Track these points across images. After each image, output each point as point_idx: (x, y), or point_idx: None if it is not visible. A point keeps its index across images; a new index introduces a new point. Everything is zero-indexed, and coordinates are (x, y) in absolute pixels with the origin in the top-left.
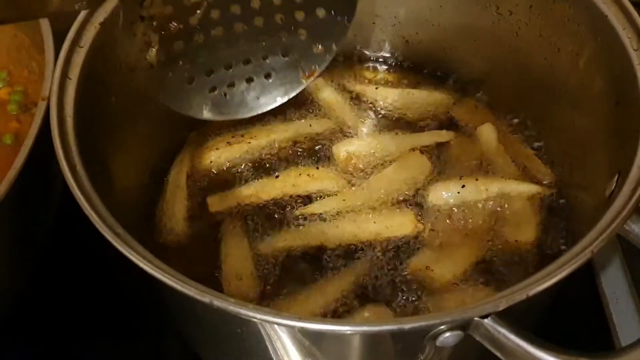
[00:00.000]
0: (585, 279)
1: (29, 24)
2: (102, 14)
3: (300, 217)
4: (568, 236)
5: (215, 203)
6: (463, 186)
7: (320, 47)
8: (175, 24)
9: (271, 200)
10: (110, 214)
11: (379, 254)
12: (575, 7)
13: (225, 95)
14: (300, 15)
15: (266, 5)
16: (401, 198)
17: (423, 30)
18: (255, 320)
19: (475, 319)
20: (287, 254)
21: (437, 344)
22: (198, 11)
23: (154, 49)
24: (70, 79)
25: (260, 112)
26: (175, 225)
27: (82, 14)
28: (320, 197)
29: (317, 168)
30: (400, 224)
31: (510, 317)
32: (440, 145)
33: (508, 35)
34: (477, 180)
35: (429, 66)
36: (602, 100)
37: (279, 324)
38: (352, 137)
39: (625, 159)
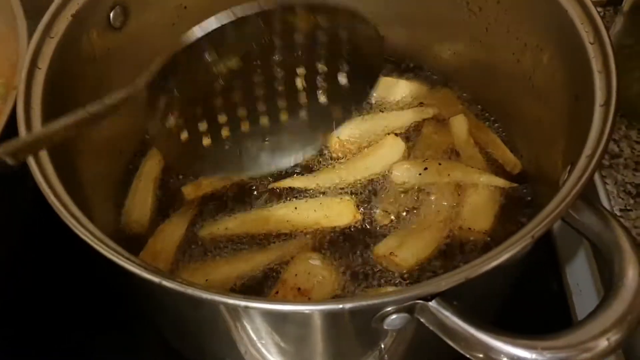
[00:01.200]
0: (550, 271)
1: (6, 16)
2: (74, 6)
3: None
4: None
5: (191, 191)
6: (425, 168)
7: (340, 111)
8: (197, 93)
9: (242, 181)
10: (74, 202)
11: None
12: (539, 2)
13: (240, 153)
14: (322, 83)
15: (289, 73)
16: (371, 179)
17: (398, 26)
18: (202, 299)
19: (419, 301)
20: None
21: (385, 326)
22: (220, 81)
23: (172, 117)
24: (39, 68)
25: (274, 169)
26: (145, 216)
27: (54, 5)
28: (295, 173)
29: None
30: (339, 214)
31: (463, 303)
32: (411, 132)
33: (479, 30)
34: (439, 164)
35: (404, 60)
36: (563, 94)
37: (219, 303)
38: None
39: (577, 151)
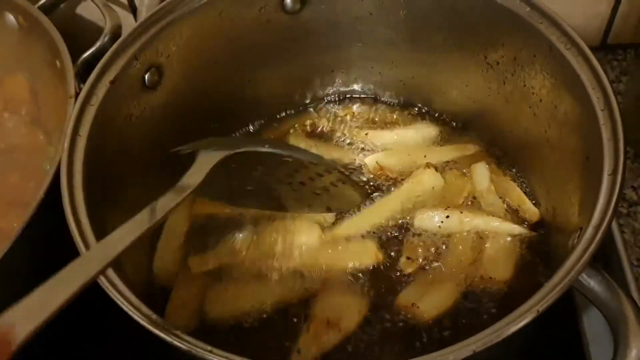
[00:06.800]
0: (567, 320)
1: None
2: (113, 72)
3: None
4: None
5: (196, 264)
6: (447, 216)
7: None
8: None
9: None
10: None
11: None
12: (553, 63)
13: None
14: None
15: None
16: (399, 222)
17: (419, 75)
18: None
19: None
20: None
21: None
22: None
23: None
24: (80, 135)
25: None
26: (174, 269)
27: (94, 74)
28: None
29: (294, 220)
30: (361, 254)
31: None
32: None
33: (496, 82)
34: (461, 213)
35: (425, 105)
36: (576, 152)
37: None
38: (380, 150)
39: (586, 216)
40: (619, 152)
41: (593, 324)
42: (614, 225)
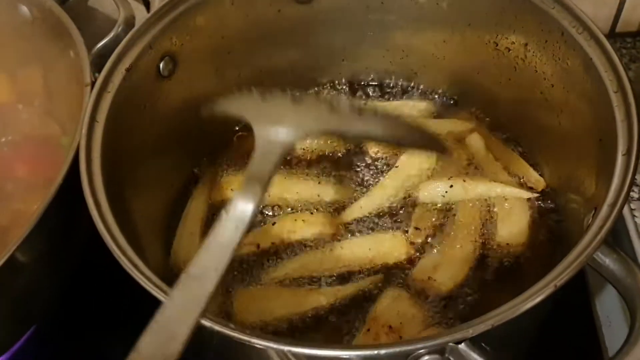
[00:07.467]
0: (580, 302)
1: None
2: (128, 60)
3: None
4: (560, 240)
5: None
6: (451, 186)
7: None
8: None
9: (268, 247)
10: (131, 247)
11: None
12: (565, 48)
13: None
14: None
15: None
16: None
17: (430, 63)
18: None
19: (450, 344)
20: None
21: None
22: None
23: None
24: (97, 122)
25: None
26: (191, 255)
27: (110, 62)
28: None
29: (312, 213)
30: (393, 250)
31: (494, 341)
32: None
33: (507, 69)
34: (464, 181)
35: (433, 92)
36: (589, 135)
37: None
38: None
39: (600, 196)
40: (633, 131)
41: (606, 308)
42: (626, 210)
